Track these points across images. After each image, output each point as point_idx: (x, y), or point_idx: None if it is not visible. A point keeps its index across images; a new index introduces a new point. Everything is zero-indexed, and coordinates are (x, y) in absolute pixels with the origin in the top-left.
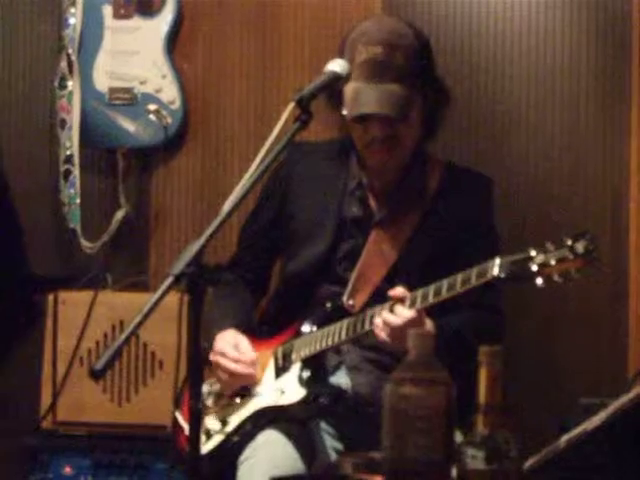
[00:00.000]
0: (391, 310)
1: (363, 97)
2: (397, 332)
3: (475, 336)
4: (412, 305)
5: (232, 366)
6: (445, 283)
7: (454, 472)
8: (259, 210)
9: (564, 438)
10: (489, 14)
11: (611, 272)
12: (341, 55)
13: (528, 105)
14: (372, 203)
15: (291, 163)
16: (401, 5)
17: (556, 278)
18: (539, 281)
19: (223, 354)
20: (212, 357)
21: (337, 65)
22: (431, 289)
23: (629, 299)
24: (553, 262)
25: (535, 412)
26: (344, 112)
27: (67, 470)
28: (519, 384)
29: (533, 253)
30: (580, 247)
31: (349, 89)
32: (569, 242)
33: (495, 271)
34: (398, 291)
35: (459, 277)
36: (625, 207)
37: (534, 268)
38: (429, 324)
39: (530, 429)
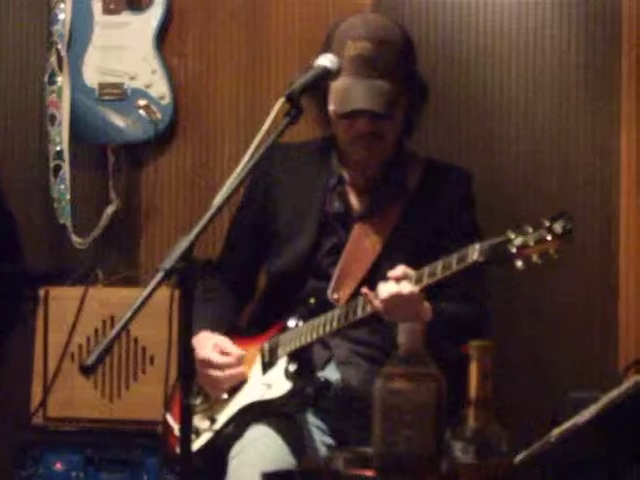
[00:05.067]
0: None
1: (352, 93)
2: (395, 302)
3: (465, 326)
4: (418, 282)
5: (221, 374)
6: (426, 270)
7: (444, 466)
8: (241, 213)
9: (555, 432)
10: (478, 10)
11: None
12: (327, 50)
13: (518, 100)
14: (353, 199)
15: (271, 164)
16: (390, 0)
17: (535, 259)
18: (519, 263)
19: (209, 362)
20: (198, 367)
21: (327, 60)
22: (414, 275)
23: (619, 293)
24: (532, 243)
25: (525, 406)
26: (331, 107)
27: (58, 466)
28: (510, 378)
29: (512, 236)
30: (558, 227)
31: (336, 84)
32: (547, 223)
33: (475, 256)
34: (398, 270)
35: (440, 263)
36: (615, 202)
37: (513, 250)
38: (427, 306)
39: (521, 423)
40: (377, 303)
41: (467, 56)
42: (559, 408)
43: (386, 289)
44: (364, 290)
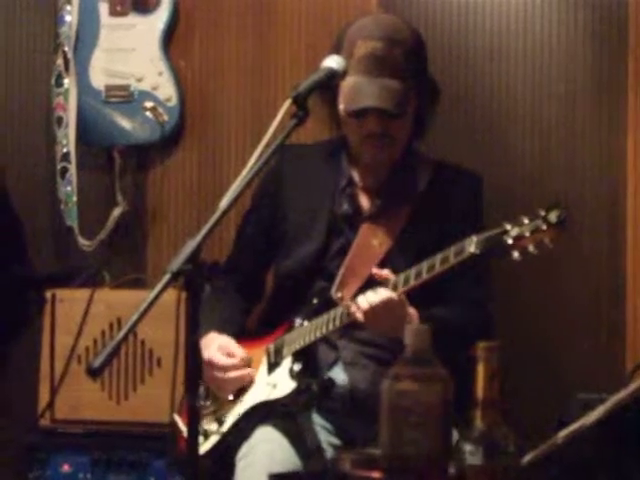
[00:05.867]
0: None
1: (363, 91)
2: (374, 312)
3: (460, 330)
4: (394, 289)
5: (225, 376)
6: (425, 264)
7: (452, 468)
8: (251, 214)
9: (562, 433)
10: (485, 11)
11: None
12: (337, 51)
13: (524, 102)
14: (362, 200)
15: (282, 165)
16: (397, 2)
17: (531, 249)
18: (515, 254)
19: (213, 364)
20: (204, 368)
21: (333, 61)
22: (412, 272)
23: (626, 294)
24: (527, 234)
25: (533, 407)
26: (341, 107)
27: (65, 468)
28: (517, 379)
29: (508, 227)
30: (553, 217)
31: (347, 84)
32: (542, 213)
33: (472, 248)
34: (383, 272)
35: (438, 257)
36: (622, 203)
37: (509, 241)
38: (412, 312)
39: (528, 424)
40: (359, 315)
41: (474, 56)
42: (566, 409)
43: (364, 299)
44: (348, 306)
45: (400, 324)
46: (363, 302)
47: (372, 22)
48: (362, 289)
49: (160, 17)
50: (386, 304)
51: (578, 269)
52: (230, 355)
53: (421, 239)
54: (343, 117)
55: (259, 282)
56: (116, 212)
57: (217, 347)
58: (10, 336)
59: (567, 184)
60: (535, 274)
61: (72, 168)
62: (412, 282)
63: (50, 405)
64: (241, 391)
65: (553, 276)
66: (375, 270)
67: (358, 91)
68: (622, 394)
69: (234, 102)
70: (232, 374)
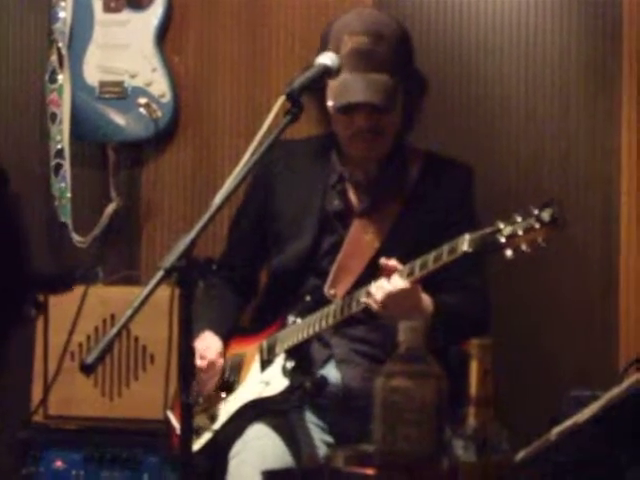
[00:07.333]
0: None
1: (351, 87)
2: (389, 300)
3: (466, 317)
4: (410, 275)
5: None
6: (418, 263)
7: (445, 464)
8: (243, 211)
9: (555, 430)
10: (479, 7)
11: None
12: (324, 47)
13: (518, 97)
14: (353, 196)
15: (272, 162)
16: None
17: (524, 248)
18: (508, 252)
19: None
20: None
21: (327, 58)
22: (405, 269)
23: (620, 291)
24: (520, 232)
25: (526, 404)
26: (329, 103)
27: (58, 464)
28: (510, 376)
29: (501, 225)
30: (546, 215)
31: (335, 80)
32: (535, 211)
33: (465, 247)
34: (391, 262)
35: (431, 255)
36: (616, 199)
37: (502, 240)
38: (427, 299)
39: (521, 421)
40: (375, 306)
41: (468, 53)
42: (559, 406)
43: (379, 289)
44: (364, 300)
45: (413, 311)
46: (378, 292)
47: (356, 17)
48: (355, 286)
49: (154, 13)
50: (401, 292)
51: (571, 266)
52: (202, 358)
53: (413, 233)
54: (332, 114)
55: (252, 279)
56: (110, 208)
57: (201, 349)
58: (6, 335)
59: (560, 180)
60: (528, 271)
61: (66, 164)
62: (417, 274)
63: (43, 401)
64: (230, 388)
65: (546, 273)
66: (383, 260)
67: (346, 87)
68: (615, 391)
69: (228, 98)
70: (200, 377)
